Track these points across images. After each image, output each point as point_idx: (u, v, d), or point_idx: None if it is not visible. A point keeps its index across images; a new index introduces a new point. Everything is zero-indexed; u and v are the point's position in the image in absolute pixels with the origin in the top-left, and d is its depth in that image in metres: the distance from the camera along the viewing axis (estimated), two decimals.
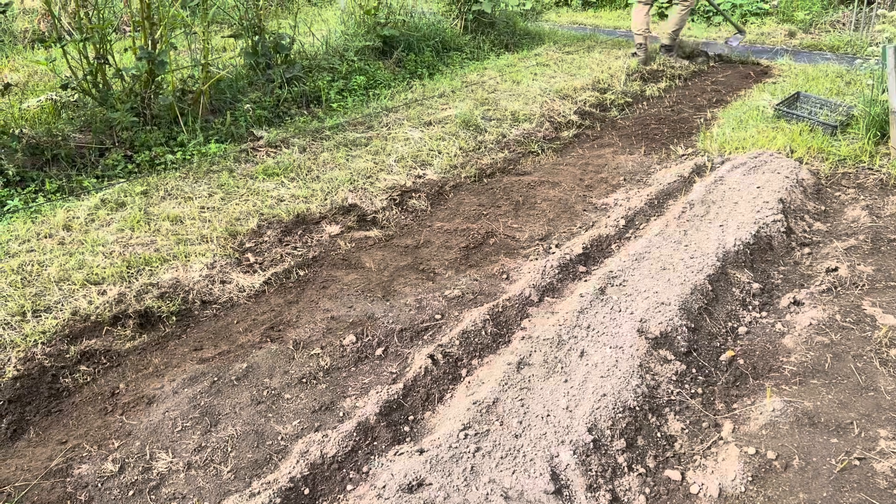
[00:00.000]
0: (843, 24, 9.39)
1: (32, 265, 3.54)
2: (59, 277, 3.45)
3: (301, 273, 3.68)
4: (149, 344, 3.14)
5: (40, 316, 3.18)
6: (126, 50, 6.09)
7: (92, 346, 3.06)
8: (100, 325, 3.18)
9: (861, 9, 8.81)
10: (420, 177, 4.82)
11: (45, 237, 3.84)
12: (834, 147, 5.00)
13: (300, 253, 3.85)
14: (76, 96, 5.35)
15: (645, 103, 6.76)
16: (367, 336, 3.11)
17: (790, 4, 10.07)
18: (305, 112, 6.09)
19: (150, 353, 3.08)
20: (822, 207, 4.25)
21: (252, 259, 3.75)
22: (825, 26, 9.54)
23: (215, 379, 2.86)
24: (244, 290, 3.51)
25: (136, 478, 2.39)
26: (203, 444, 2.53)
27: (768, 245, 3.71)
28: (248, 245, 3.87)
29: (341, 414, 2.67)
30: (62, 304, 3.26)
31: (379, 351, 3.03)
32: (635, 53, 7.96)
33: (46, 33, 5.19)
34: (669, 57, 8.03)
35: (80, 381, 2.90)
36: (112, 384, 2.88)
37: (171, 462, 2.45)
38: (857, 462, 2.31)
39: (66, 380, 2.89)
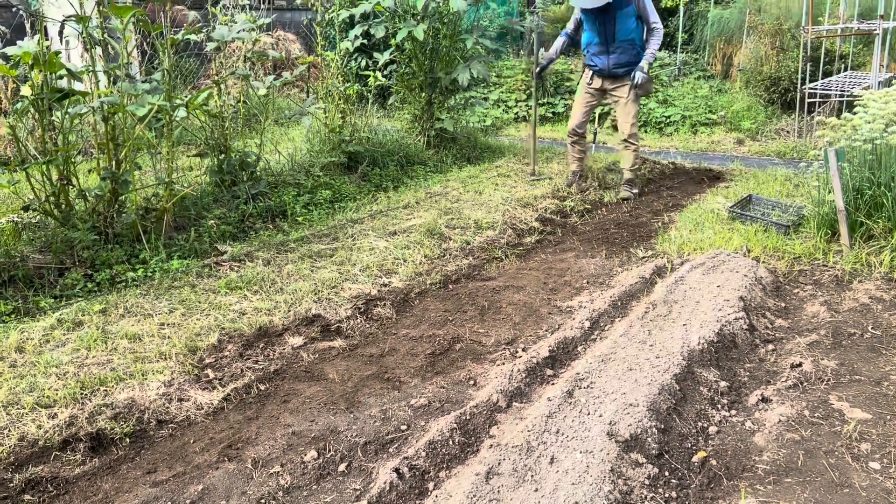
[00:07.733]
0: (788, 132, 9.90)
1: None
2: (8, 401, 3.30)
3: (262, 387, 3.58)
4: (99, 468, 2.98)
5: None
6: (91, 171, 6.14)
7: (38, 473, 2.89)
8: (48, 450, 3.02)
9: (802, 117, 9.32)
10: (385, 285, 4.81)
11: None
12: (788, 245, 5.14)
13: (261, 366, 3.75)
14: (38, 217, 5.33)
15: (604, 209, 6.94)
16: (329, 451, 3.00)
17: (736, 115, 10.64)
18: (271, 226, 6.12)
19: (101, 479, 2.92)
20: (783, 304, 4.31)
21: (211, 375, 3.65)
22: (771, 133, 10.06)
23: None
24: (202, 408, 3.39)
25: None
26: None
27: (732, 343, 3.72)
28: (207, 360, 3.77)
29: None
30: (9, 430, 3.10)
31: (342, 466, 2.91)
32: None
33: (11, 157, 5.22)
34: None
35: None
36: None
37: None
38: None
39: None
